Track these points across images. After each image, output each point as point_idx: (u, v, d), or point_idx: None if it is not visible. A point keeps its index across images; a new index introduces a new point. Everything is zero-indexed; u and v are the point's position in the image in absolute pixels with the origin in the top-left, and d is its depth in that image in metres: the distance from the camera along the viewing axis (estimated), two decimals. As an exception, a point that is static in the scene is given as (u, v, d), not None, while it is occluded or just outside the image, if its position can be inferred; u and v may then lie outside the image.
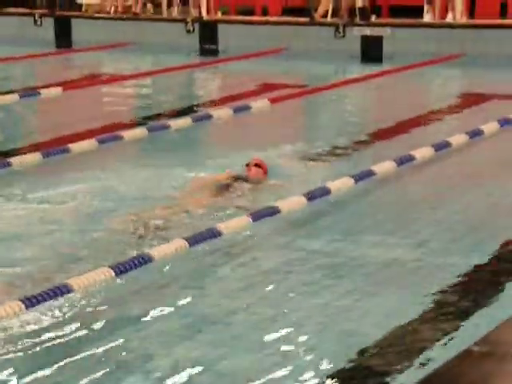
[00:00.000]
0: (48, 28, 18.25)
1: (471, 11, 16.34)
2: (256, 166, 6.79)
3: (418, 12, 15.80)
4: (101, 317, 4.51)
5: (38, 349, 4.17)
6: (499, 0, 16.39)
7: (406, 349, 4.11)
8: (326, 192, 6.57)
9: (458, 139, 8.38)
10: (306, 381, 3.83)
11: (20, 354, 4.11)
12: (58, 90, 11.86)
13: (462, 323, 4.34)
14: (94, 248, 5.48)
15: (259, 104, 10.61)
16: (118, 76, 13.72)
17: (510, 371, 2.84)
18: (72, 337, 4.30)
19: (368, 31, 15.56)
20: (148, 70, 14.15)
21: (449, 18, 15.50)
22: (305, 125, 9.21)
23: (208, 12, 17.56)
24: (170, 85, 13.33)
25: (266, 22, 16.93)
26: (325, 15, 16.32)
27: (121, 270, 4.97)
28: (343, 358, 4.03)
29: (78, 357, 4.09)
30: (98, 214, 6.15)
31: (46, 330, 4.36)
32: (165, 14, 17.75)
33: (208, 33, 16.84)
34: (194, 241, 5.44)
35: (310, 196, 6.40)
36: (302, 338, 4.25)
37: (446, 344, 4.11)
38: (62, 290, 4.66)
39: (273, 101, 10.86)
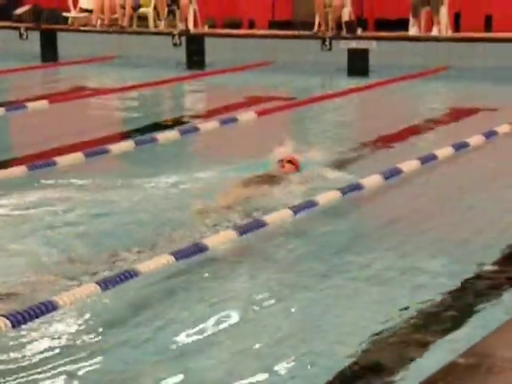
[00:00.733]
0: (34, 41, 18.22)
1: (456, 25, 16.44)
2: (289, 163, 7.06)
3: (403, 25, 15.89)
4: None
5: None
6: (484, 13, 16.49)
7: (389, 360, 4.11)
8: (312, 204, 6.58)
9: (444, 152, 8.40)
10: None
11: None
12: (45, 103, 11.84)
13: (445, 337, 4.36)
14: (78, 262, 5.45)
15: (246, 117, 10.63)
16: (105, 89, 13.71)
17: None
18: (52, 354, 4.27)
19: (354, 44, 15.62)
20: (135, 84, 14.13)
21: (434, 32, 15.59)
22: (291, 137, 9.21)
23: (195, 25, 17.59)
24: (157, 98, 13.33)
25: (253, 35, 16.97)
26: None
27: (107, 285, 4.94)
28: (328, 367, 4.03)
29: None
30: (86, 229, 6.14)
31: (30, 345, 4.34)
32: (151, 28, 17.76)
33: (195, 46, 16.86)
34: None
35: (297, 209, 6.42)
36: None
37: (431, 355, 4.12)
38: (47, 307, 4.62)
39: (259, 113, 10.88)
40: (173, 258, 5.36)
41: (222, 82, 14.78)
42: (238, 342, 4.38)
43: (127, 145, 9.04)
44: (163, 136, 9.40)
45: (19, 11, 19.28)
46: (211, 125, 10.17)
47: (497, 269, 5.39)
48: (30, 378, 4.02)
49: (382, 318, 4.59)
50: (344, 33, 15.99)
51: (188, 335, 4.45)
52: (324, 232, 6.25)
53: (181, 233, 5.96)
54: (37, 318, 4.52)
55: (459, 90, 13.74)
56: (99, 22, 18.20)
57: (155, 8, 17.66)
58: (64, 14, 18.80)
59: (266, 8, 18.16)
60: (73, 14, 18.70)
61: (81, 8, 18.71)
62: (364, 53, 15.40)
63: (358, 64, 15.30)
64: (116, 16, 18.05)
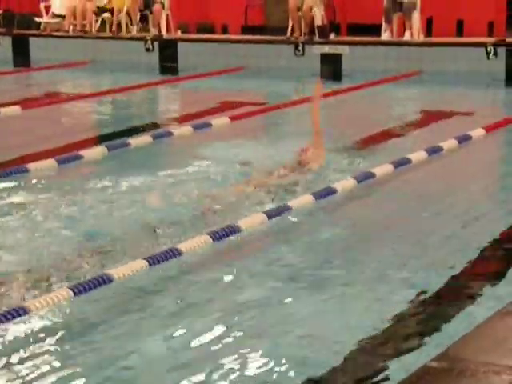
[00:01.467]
0: (6, 47, 18.10)
1: (428, 30, 16.54)
2: (310, 153, 7.79)
3: (376, 30, 15.96)
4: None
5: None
6: (455, 18, 16.60)
7: (363, 365, 4.11)
8: (286, 208, 6.59)
9: (417, 156, 8.43)
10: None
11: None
12: (17, 109, 11.77)
13: (420, 341, 4.37)
14: (54, 268, 5.43)
15: (219, 121, 10.62)
16: (78, 95, 13.65)
17: (469, 387, 2.86)
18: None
19: (327, 49, 15.66)
20: (108, 89, 14.09)
21: (406, 37, 15.66)
22: (265, 142, 9.23)
23: (168, 30, 17.57)
24: (130, 103, 13.29)
25: (226, 41, 16.97)
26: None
27: (80, 290, 4.92)
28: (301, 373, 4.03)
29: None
30: (54, 235, 6.11)
31: None
32: (124, 33, 17.72)
33: (168, 51, 16.84)
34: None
35: (273, 213, 6.43)
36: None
37: (404, 360, 4.13)
38: (19, 313, 4.59)
39: (233, 118, 10.88)
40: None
41: (195, 86, 14.77)
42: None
43: (99, 150, 9.00)
44: (136, 141, 9.37)
45: (-10, 16, 19.19)
46: (185, 129, 10.16)
47: (465, 277, 5.39)
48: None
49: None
50: (317, 38, 16.03)
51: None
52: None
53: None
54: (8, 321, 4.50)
55: (432, 94, 13.81)
56: (71, 27, 18.13)
57: (128, 13, 17.62)
58: (36, 19, 18.72)
59: (239, 13, 18.18)
60: (45, 19, 18.62)
61: (53, 13, 18.65)
62: (337, 57, 15.45)
63: (330, 69, 15.33)
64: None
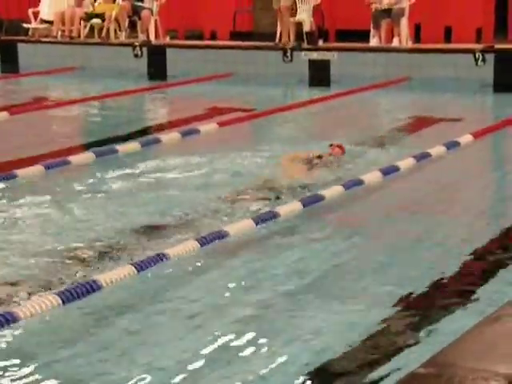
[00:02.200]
0: (-6, 53, 18.09)
1: (417, 36, 16.58)
2: (338, 147, 8.49)
3: (364, 36, 15.98)
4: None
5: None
6: (444, 25, 16.65)
7: (348, 371, 4.11)
8: (274, 215, 6.58)
9: (405, 163, 8.43)
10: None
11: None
12: (5, 114, 11.74)
13: (408, 347, 4.36)
14: (41, 273, 5.40)
15: (208, 128, 10.61)
16: (66, 100, 13.62)
17: (457, 394, 2.85)
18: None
19: (315, 55, 15.68)
20: (96, 95, 14.06)
21: (395, 43, 15.69)
22: (253, 148, 9.22)
23: (156, 36, 17.56)
24: (119, 109, 13.26)
25: (215, 47, 16.98)
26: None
27: (68, 297, 4.90)
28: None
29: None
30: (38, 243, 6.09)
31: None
32: (112, 39, 17.69)
33: (156, 57, 16.82)
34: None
35: (259, 218, 6.42)
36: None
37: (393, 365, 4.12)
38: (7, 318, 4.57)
39: (221, 124, 10.87)
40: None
41: (184, 92, 14.75)
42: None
43: (87, 156, 8.98)
44: (123, 147, 9.34)
45: (-22, 22, 19.15)
46: (173, 136, 10.14)
47: (451, 284, 5.38)
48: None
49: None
50: (305, 44, 16.05)
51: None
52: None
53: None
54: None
55: (420, 100, 13.84)
56: (60, 33, 18.10)
57: (116, 19, 17.60)
58: (24, 25, 18.68)
59: (228, 19, 18.18)
60: (33, 25, 18.59)
61: (41, 19, 18.62)
62: (325, 64, 15.46)
63: (319, 75, 15.35)
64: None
